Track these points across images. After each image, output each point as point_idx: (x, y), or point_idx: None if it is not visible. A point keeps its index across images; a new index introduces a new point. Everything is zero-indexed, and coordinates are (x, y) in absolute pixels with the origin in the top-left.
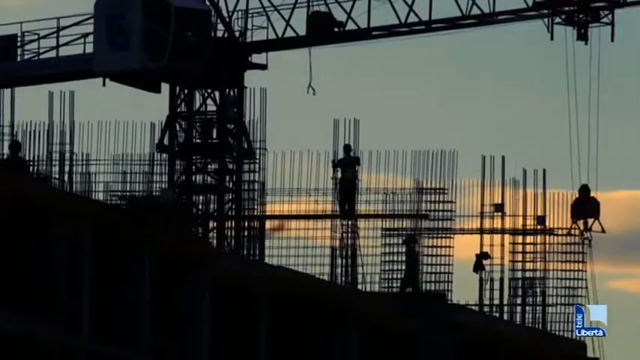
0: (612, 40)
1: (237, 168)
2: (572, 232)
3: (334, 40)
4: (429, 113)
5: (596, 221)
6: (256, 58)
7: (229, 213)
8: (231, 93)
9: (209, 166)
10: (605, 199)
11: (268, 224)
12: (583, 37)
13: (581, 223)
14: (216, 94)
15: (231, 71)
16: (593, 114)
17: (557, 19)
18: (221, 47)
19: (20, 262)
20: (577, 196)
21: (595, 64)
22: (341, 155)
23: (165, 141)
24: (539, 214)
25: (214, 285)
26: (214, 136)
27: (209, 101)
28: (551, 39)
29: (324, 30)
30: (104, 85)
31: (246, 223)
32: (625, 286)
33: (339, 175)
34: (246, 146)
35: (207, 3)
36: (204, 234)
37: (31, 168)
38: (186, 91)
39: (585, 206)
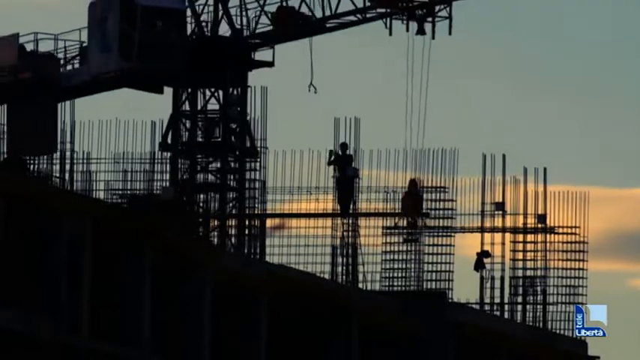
0: (450, 33)
1: (239, 167)
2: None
3: (297, 35)
4: (429, 111)
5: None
6: (261, 55)
7: (229, 212)
8: (235, 92)
9: (211, 165)
10: (624, 196)
11: (269, 223)
12: (422, 31)
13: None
14: (220, 93)
15: (235, 70)
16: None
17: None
18: (224, 45)
19: (21, 260)
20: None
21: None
22: (339, 153)
23: (169, 139)
24: (539, 212)
25: (215, 284)
26: (217, 134)
27: (212, 100)
28: (390, 34)
29: (290, 25)
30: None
31: (246, 222)
32: None
33: (337, 173)
34: (248, 145)
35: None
36: (205, 233)
37: (30, 167)
38: (189, 90)
39: (413, 201)
